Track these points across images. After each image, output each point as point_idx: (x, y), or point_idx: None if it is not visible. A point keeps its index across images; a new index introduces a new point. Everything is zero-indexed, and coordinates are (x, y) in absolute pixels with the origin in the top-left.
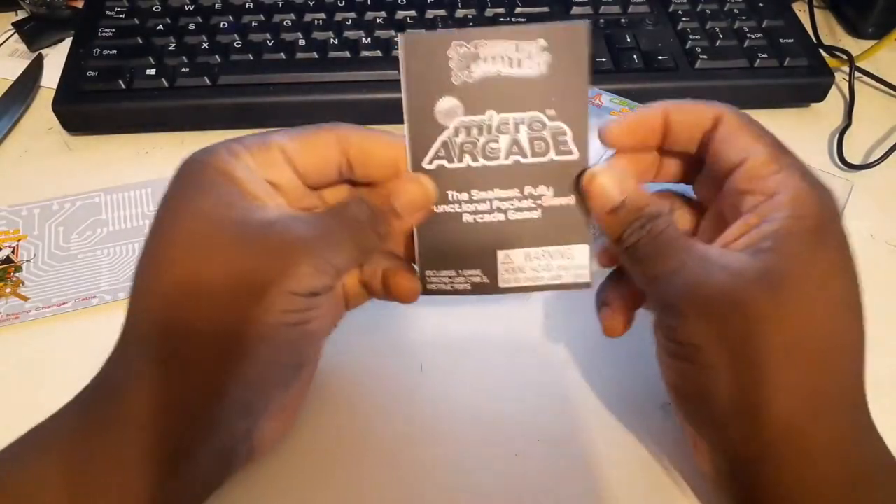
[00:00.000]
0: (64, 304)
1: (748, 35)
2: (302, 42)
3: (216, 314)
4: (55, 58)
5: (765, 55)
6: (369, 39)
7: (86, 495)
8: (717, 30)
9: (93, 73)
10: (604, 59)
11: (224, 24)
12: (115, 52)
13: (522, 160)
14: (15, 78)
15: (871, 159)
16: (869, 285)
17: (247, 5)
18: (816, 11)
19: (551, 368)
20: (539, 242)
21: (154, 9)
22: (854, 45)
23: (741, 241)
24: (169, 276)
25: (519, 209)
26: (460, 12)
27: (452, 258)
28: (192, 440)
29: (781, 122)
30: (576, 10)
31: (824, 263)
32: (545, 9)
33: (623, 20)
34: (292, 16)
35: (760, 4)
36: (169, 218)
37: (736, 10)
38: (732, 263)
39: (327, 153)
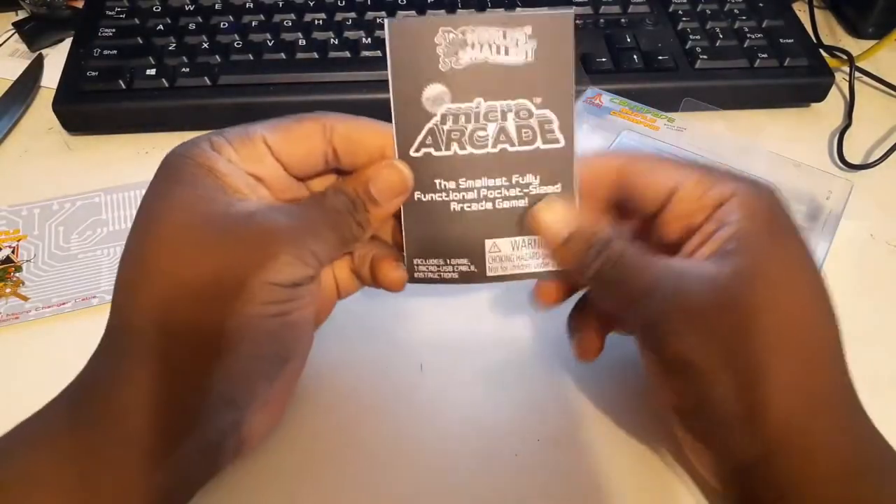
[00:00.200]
0: (64, 304)
1: (748, 35)
2: (302, 42)
3: (197, 309)
4: (55, 58)
5: (765, 55)
6: (369, 39)
7: (75, 490)
8: (717, 30)
9: (93, 73)
10: (604, 59)
11: (224, 24)
12: (115, 52)
13: (510, 148)
14: (15, 78)
15: (871, 159)
16: (869, 285)
17: (247, 5)
18: (816, 11)
19: (551, 368)
20: (526, 231)
21: (154, 9)
22: (854, 45)
23: (704, 250)
24: (151, 272)
25: (506, 198)
26: (460, 12)
27: (440, 247)
28: (178, 434)
29: (781, 122)
30: (576, 10)
31: (789, 255)
32: (545, 9)
33: (623, 20)
34: (292, 16)
35: (760, 4)
36: (150, 214)
37: (736, 10)
38: (706, 271)
39: (312, 143)
